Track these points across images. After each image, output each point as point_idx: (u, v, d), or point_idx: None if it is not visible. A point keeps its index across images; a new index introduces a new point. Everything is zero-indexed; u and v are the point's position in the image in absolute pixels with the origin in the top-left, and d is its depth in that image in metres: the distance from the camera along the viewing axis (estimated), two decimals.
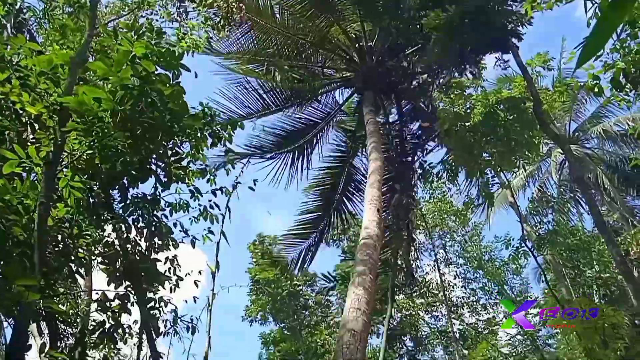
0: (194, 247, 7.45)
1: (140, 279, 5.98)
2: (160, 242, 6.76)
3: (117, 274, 5.91)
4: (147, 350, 7.46)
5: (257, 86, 15.39)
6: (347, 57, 15.37)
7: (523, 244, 16.58)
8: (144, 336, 7.14)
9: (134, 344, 7.94)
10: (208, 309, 8.43)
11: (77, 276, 6.36)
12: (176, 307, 8.07)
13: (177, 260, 7.23)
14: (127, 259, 5.91)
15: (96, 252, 6.19)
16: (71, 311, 9.01)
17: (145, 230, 6.62)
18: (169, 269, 7.11)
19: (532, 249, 16.50)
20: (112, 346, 6.70)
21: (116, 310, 6.00)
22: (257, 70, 15.24)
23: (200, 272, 8.57)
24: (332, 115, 16.52)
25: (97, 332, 6.04)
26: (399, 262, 15.63)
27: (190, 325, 8.76)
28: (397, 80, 15.04)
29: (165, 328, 8.73)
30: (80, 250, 5.83)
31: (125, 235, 6.45)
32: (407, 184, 15.20)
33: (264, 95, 15.42)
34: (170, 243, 6.82)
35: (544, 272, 17.67)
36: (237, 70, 15.19)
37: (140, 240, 6.64)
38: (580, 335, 12.44)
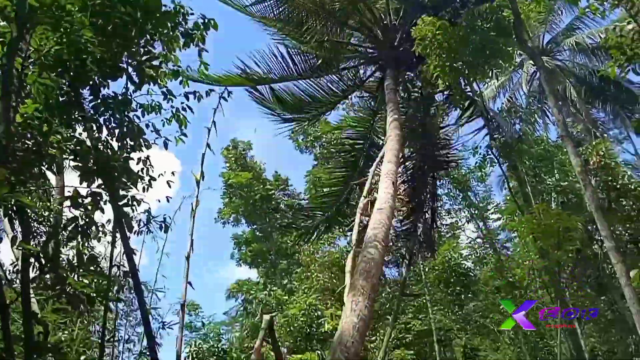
0: (166, 149, 7.47)
1: (113, 176, 6.01)
2: (132, 143, 6.74)
3: (89, 172, 5.92)
4: (121, 247, 7.67)
5: (283, 51, 15.41)
6: (372, 34, 15.28)
7: (489, 152, 17.08)
8: (118, 234, 7.31)
9: (108, 242, 8.16)
10: (191, 214, 8.73)
11: (49, 173, 6.37)
12: (149, 207, 8.25)
13: (149, 161, 7.26)
14: (99, 156, 5.90)
15: (67, 150, 6.15)
16: (43, 209, 9.10)
17: (116, 131, 6.58)
18: (142, 169, 7.16)
19: (497, 157, 17.03)
20: (86, 241, 6.81)
21: (89, 207, 6.06)
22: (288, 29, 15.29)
23: (173, 173, 8.70)
24: (352, 90, 16.67)
25: (70, 227, 6.12)
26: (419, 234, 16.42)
27: (163, 224, 9.02)
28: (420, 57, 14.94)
29: (138, 227, 8.96)
30: (50, 148, 5.79)
31: (96, 134, 6.41)
32: (430, 160, 15.74)
33: (288, 60, 15.35)
34: (142, 144, 6.81)
35: (507, 179, 18.36)
36: (272, 24, 15.28)
37: (111, 140, 6.61)
38: (537, 238, 13.21)
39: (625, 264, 11.16)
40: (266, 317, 9.11)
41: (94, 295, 6.67)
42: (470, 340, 19.80)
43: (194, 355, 18.48)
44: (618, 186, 14.98)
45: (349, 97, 17.09)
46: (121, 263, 9.30)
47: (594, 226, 14.40)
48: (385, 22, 14.93)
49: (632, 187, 15.17)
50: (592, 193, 12.19)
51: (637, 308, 10.79)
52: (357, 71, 16.42)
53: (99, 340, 8.25)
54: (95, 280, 7.07)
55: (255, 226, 31.64)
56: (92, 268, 6.18)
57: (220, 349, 19.58)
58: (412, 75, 16.07)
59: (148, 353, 8.60)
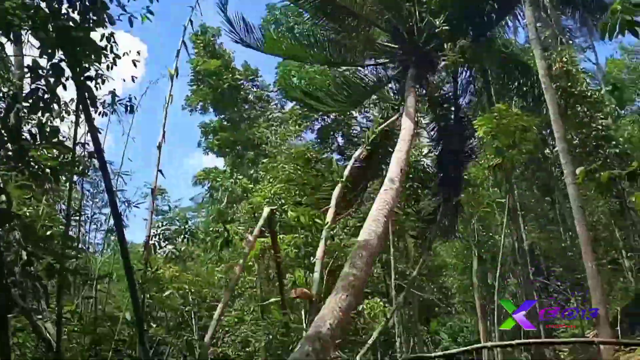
0: (131, 26, 7.25)
1: (75, 49, 5.93)
2: (95, 18, 6.55)
3: (50, 42, 5.80)
4: (85, 127, 7.71)
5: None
6: (398, 33, 15.65)
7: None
8: (81, 114, 7.32)
9: (72, 122, 8.17)
10: (165, 107, 8.76)
11: (7, 46, 6.21)
12: (114, 89, 8.22)
13: (113, 38, 7.10)
14: (59, 26, 5.77)
15: (25, 19, 5.94)
16: (2, 83, 8.94)
17: (78, 3, 6.37)
18: (106, 46, 7.01)
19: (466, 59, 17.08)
20: (49, 117, 6.79)
21: (50, 80, 5.98)
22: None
23: (138, 53, 8.59)
24: (376, 88, 17.43)
25: (32, 99, 6.05)
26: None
27: (128, 105, 9.02)
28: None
29: (103, 108, 8.95)
30: (6, 15, 5.60)
31: (56, 5, 6.20)
32: (457, 151, 16.49)
33: (314, 43, 16.13)
34: (106, 19, 6.62)
35: (474, 81, 18.55)
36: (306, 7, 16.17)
37: (73, 13, 6.40)
38: (494, 136, 13.73)
39: (573, 165, 11.97)
40: (267, 208, 9.53)
41: (58, 168, 6.80)
42: (422, 232, 20.93)
43: (161, 236, 19.11)
44: (576, 92, 15.47)
45: (374, 93, 17.98)
46: (86, 142, 9.38)
47: (548, 131, 15.04)
48: (411, 22, 15.25)
49: (589, 94, 15.70)
50: (552, 96, 12.75)
51: (577, 204, 11.80)
52: (382, 69, 17.16)
53: (64, 219, 8.53)
54: (58, 156, 7.16)
55: (223, 115, 31.48)
56: (54, 140, 6.26)
57: (187, 229, 20.27)
58: (435, 76, 16.87)
59: (115, 232, 8.95)
